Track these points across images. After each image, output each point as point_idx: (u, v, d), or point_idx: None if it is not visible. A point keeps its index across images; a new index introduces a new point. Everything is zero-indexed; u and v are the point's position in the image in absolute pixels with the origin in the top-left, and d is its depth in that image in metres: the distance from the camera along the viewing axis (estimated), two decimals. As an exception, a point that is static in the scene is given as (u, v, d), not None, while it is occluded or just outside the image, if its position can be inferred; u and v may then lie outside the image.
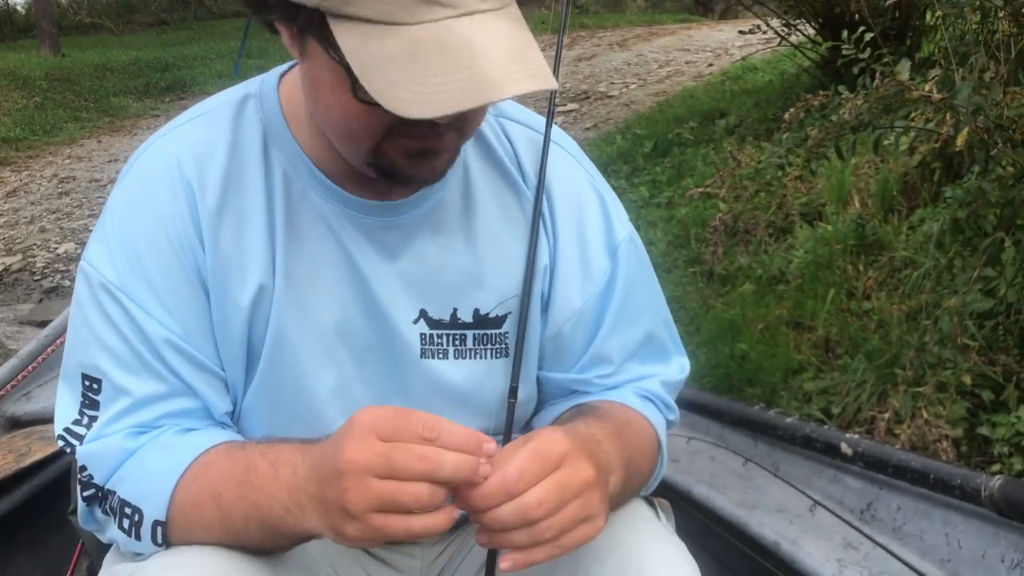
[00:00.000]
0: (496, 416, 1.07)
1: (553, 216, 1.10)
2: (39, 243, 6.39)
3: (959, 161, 2.66)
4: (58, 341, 2.38)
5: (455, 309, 1.07)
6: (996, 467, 1.95)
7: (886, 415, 2.14)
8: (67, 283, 5.73)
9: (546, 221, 1.10)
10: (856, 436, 1.71)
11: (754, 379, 2.63)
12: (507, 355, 1.09)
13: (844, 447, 1.67)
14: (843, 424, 2.27)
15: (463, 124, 0.93)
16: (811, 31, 4.85)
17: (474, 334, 1.08)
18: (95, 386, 0.99)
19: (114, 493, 0.96)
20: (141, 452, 0.97)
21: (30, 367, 2.31)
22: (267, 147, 1.03)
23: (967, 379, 2.01)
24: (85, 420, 1.00)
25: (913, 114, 2.22)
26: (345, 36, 0.81)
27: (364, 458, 0.78)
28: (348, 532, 0.81)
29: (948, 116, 2.06)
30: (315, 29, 0.84)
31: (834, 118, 2.22)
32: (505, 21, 0.84)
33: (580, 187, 1.13)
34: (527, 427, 1.19)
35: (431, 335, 1.07)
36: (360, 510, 0.79)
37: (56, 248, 6.25)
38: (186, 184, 1.01)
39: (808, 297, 2.86)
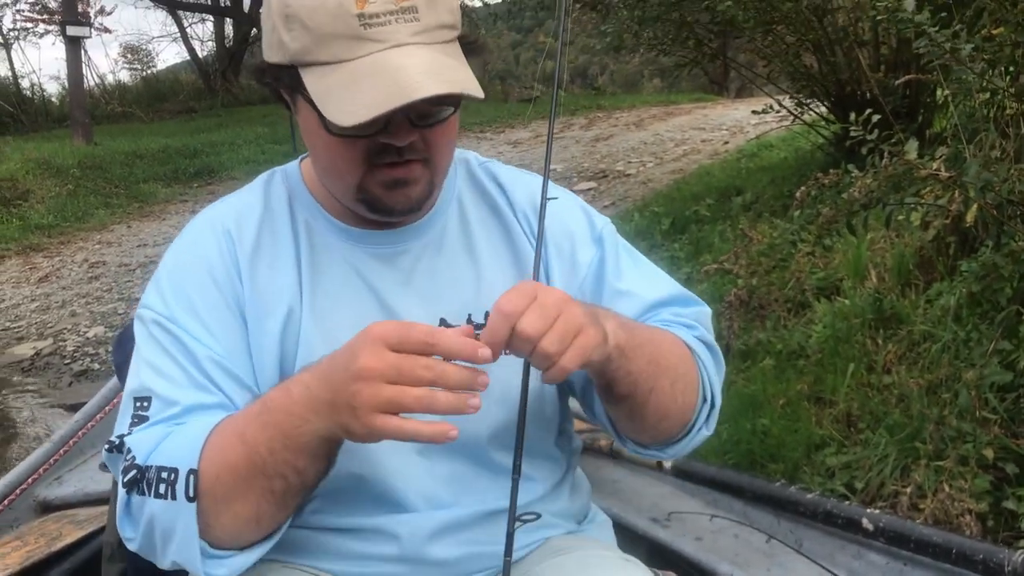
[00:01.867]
0: (512, 402, 1.12)
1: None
2: (70, 327, 6.50)
3: (973, 235, 2.69)
4: (89, 425, 2.43)
5: (469, 314, 1.20)
6: None
7: (909, 489, 2.14)
8: (96, 366, 5.82)
9: (532, 235, 1.26)
10: (877, 511, 1.71)
11: (776, 455, 2.63)
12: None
13: (866, 522, 1.67)
14: (867, 499, 2.26)
15: (428, 154, 1.11)
16: (823, 109, 4.94)
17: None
18: (145, 404, 1.10)
19: (151, 467, 1.04)
20: (176, 431, 1.07)
21: (61, 451, 2.35)
22: (292, 205, 1.23)
23: (988, 453, 2.02)
24: (135, 429, 1.10)
25: (923, 191, 2.26)
26: (309, 79, 1.05)
27: (378, 365, 0.91)
28: (354, 428, 0.93)
29: (957, 193, 2.10)
30: (293, 80, 1.07)
31: (845, 196, 2.26)
32: (431, 50, 1.04)
33: (563, 195, 1.30)
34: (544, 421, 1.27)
35: None
36: (367, 409, 0.91)
37: (86, 332, 6.35)
38: (227, 233, 1.20)
39: (828, 372, 2.87)
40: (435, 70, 1.02)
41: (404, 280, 1.20)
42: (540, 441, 1.26)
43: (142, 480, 1.04)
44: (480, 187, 1.30)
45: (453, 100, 1.09)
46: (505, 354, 0.98)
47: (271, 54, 1.09)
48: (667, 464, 2.05)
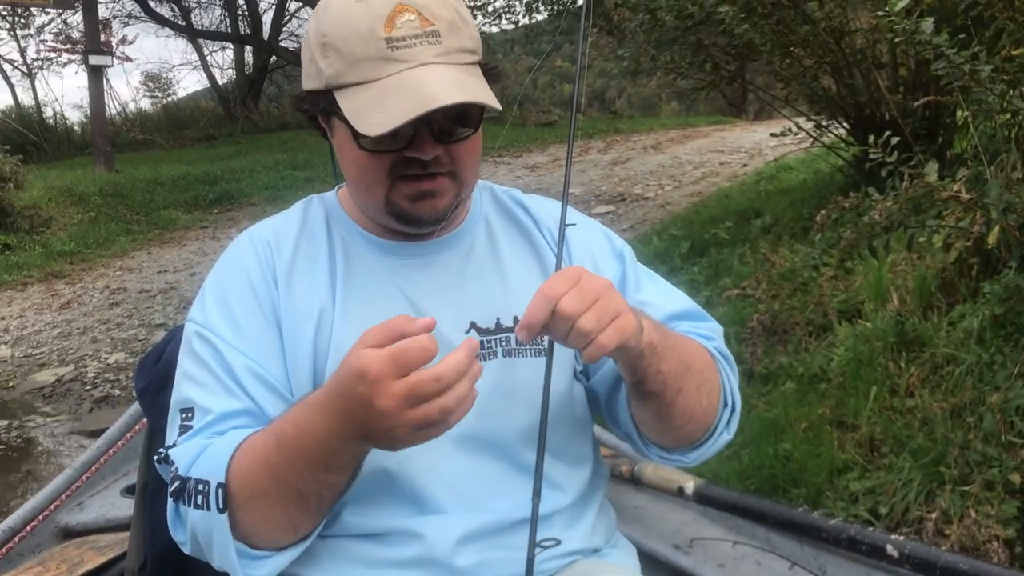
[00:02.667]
0: (540, 408, 1.16)
1: (568, 245, 1.33)
2: (90, 353, 6.54)
3: (996, 256, 2.67)
4: (111, 451, 2.43)
5: (498, 318, 1.25)
6: (1053, 568, 1.91)
7: (934, 515, 2.11)
8: (117, 392, 5.85)
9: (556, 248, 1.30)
10: (902, 538, 1.68)
11: (799, 479, 2.61)
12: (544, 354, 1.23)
13: (890, 549, 1.65)
14: (891, 525, 2.24)
15: (454, 168, 1.18)
16: (842, 131, 4.93)
17: (516, 336, 1.20)
18: (189, 415, 1.18)
19: (190, 478, 1.11)
20: (212, 444, 1.14)
21: (83, 477, 2.36)
22: (329, 223, 1.31)
23: (1016, 478, 1.99)
24: (179, 440, 1.17)
25: (944, 213, 2.25)
26: (343, 100, 1.13)
27: (393, 404, 0.94)
28: (392, 445, 1.00)
29: (979, 214, 2.09)
30: (329, 103, 1.15)
31: (865, 219, 2.25)
32: (453, 69, 1.12)
33: (582, 221, 1.38)
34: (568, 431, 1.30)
35: (481, 341, 1.24)
36: (407, 439, 0.97)
37: (107, 358, 6.39)
38: (265, 245, 1.28)
39: (850, 395, 2.85)
40: (457, 83, 1.10)
41: (434, 286, 1.26)
42: (569, 444, 1.29)
43: (184, 490, 1.12)
44: (505, 208, 1.38)
45: (474, 120, 1.17)
46: (539, 344, 1.03)
47: (309, 82, 1.18)
48: (689, 490, 2.03)
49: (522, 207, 1.39)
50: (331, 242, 1.29)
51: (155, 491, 1.54)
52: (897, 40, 2.46)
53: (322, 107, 1.18)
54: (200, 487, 1.09)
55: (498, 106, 1.13)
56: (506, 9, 14.98)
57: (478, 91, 1.12)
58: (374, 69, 1.11)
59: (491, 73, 1.20)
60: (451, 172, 1.18)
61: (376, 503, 1.20)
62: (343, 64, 1.12)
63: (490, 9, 15.39)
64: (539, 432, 1.10)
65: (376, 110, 1.09)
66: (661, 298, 1.34)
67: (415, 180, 1.17)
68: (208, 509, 1.08)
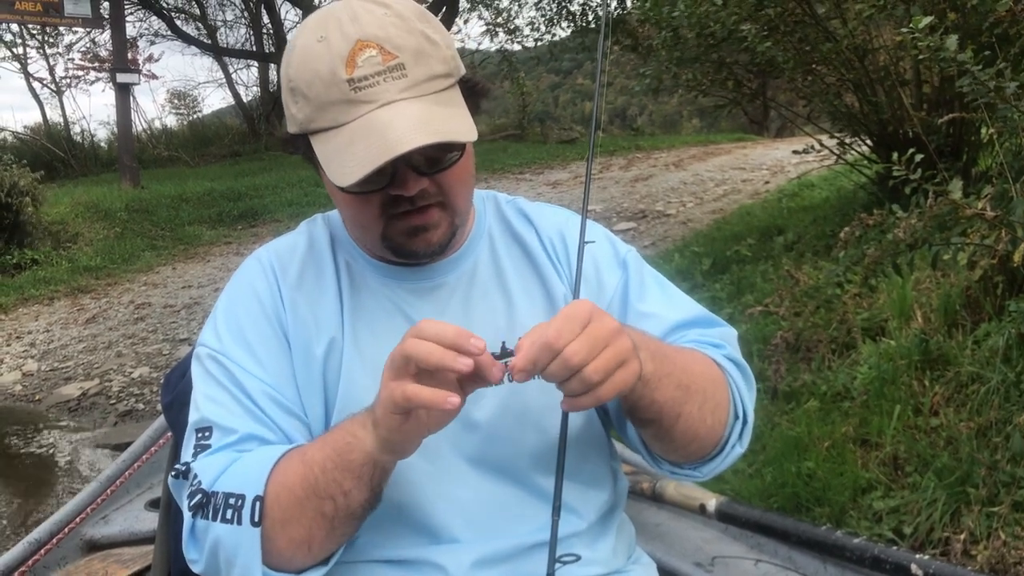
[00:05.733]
0: (552, 430, 1.15)
1: (568, 254, 1.31)
2: (115, 367, 6.59)
3: (1021, 274, 2.65)
4: (135, 465, 2.46)
5: (503, 342, 1.18)
6: (1081, 590, 1.88)
7: (961, 536, 2.09)
8: (141, 407, 5.89)
9: (559, 261, 1.31)
10: (928, 557, 1.67)
11: (822, 498, 2.59)
12: None
13: (915, 568, 1.63)
14: (916, 545, 2.21)
15: (443, 198, 1.16)
16: (866, 148, 4.91)
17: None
18: (207, 433, 1.16)
19: (217, 492, 1.09)
20: (242, 458, 1.12)
21: (108, 491, 2.38)
22: (334, 246, 1.30)
23: (1044, 498, 1.97)
24: (199, 456, 1.15)
25: (969, 230, 2.23)
26: (317, 145, 1.12)
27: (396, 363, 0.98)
28: (381, 405, 1.00)
29: (1004, 232, 2.08)
30: (306, 147, 1.14)
31: (890, 236, 2.24)
32: (418, 103, 1.09)
33: (588, 229, 1.30)
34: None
35: None
36: (388, 388, 0.98)
37: (131, 372, 6.44)
38: (272, 267, 1.28)
39: (874, 414, 2.82)
40: (423, 121, 1.06)
41: (439, 312, 1.24)
42: (582, 470, 1.27)
43: (208, 505, 1.09)
44: (507, 222, 1.35)
45: (457, 145, 1.13)
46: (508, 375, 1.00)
47: (289, 126, 1.18)
48: (711, 507, 2.03)
49: (525, 217, 1.36)
50: (336, 266, 1.28)
51: (179, 505, 1.55)
52: (921, 57, 2.46)
53: (303, 150, 1.17)
54: (231, 500, 1.07)
55: (469, 138, 1.10)
56: (530, 25, 15.04)
57: (446, 126, 1.08)
58: (341, 113, 1.09)
59: (473, 90, 1.18)
60: (440, 202, 1.16)
61: (392, 534, 1.19)
62: (311, 109, 1.11)
63: (511, 27, 15.49)
64: (558, 446, 1.07)
65: (345, 157, 1.07)
66: (665, 308, 1.29)
67: (406, 216, 1.15)
68: (239, 523, 1.06)
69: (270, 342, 1.21)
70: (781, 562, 1.89)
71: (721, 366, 1.24)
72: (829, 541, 1.82)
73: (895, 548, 1.77)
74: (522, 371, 0.96)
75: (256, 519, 1.06)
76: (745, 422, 1.25)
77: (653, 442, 1.22)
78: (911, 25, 2.42)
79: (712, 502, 2.01)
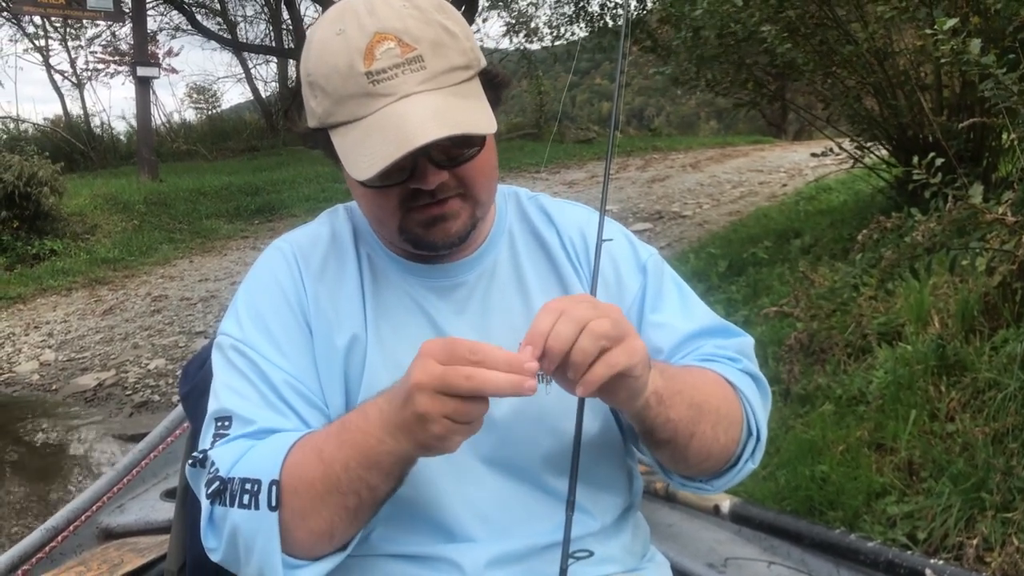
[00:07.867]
0: (567, 433, 1.13)
1: (588, 253, 1.31)
2: (132, 359, 6.64)
3: (1041, 281, 2.64)
4: (151, 455, 2.47)
5: (520, 343, 1.19)
6: (1096, 599, 1.87)
7: (975, 541, 2.08)
8: (156, 398, 5.93)
9: (579, 261, 1.30)
10: (942, 562, 1.66)
11: (836, 502, 2.58)
12: None
13: (929, 573, 1.63)
14: (930, 550, 2.21)
15: (464, 190, 1.15)
16: (884, 152, 4.88)
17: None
18: (226, 423, 1.16)
19: (233, 478, 1.09)
20: (257, 445, 1.12)
21: (124, 480, 2.40)
22: (356, 238, 1.29)
23: (1059, 506, 1.96)
24: (216, 444, 1.15)
25: (988, 236, 2.22)
26: (336, 139, 1.11)
27: (425, 378, 0.95)
28: (427, 438, 0.98)
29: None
30: (326, 141, 1.13)
31: (908, 239, 2.23)
32: (436, 95, 1.07)
33: (610, 229, 1.30)
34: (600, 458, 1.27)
35: None
36: (435, 415, 0.95)
37: (147, 364, 6.48)
38: (294, 256, 1.27)
39: (889, 418, 2.81)
40: (440, 114, 1.05)
41: (459, 310, 1.24)
42: (597, 472, 1.27)
43: (225, 491, 1.09)
44: (528, 220, 1.34)
45: (477, 137, 1.12)
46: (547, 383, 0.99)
47: (308, 120, 1.16)
48: (724, 509, 2.02)
49: (546, 216, 1.35)
50: (359, 259, 1.27)
51: (195, 495, 1.56)
52: (944, 60, 2.44)
53: (323, 144, 1.17)
54: (248, 486, 1.07)
55: (488, 129, 1.09)
56: (549, 24, 15.02)
57: (464, 118, 1.07)
58: (359, 106, 1.08)
59: (493, 82, 1.17)
60: (461, 194, 1.16)
61: (406, 529, 1.19)
62: (330, 103, 1.10)
63: (532, 26, 15.48)
64: (574, 439, 1.07)
65: (363, 151, 1.07)
66: (679, 318, 1.29)
67: (425, 208, 1.14)
68: (256, 508, 1.06)
69: (293, 332, 1.21)
70: (794, 564, 1.89)
71: (734, 384, 1.23)
72: (843, 544, 1.81)
73: (909, 552, 1.77)
74: (534, 360, 0.96)
75: (273, 504, 1.05)
76: (758, 439, 1.25)
77: (668, 462, 1.23)
78: (935, 27, 2.41)
79: (726, 503, 2.01)
